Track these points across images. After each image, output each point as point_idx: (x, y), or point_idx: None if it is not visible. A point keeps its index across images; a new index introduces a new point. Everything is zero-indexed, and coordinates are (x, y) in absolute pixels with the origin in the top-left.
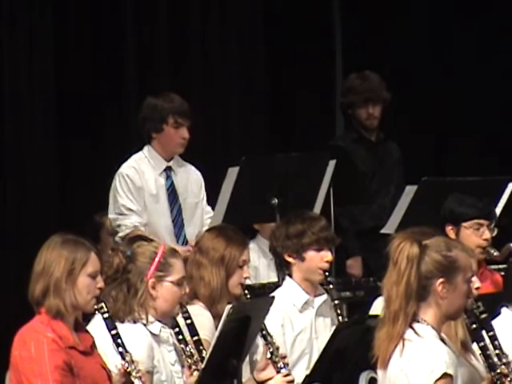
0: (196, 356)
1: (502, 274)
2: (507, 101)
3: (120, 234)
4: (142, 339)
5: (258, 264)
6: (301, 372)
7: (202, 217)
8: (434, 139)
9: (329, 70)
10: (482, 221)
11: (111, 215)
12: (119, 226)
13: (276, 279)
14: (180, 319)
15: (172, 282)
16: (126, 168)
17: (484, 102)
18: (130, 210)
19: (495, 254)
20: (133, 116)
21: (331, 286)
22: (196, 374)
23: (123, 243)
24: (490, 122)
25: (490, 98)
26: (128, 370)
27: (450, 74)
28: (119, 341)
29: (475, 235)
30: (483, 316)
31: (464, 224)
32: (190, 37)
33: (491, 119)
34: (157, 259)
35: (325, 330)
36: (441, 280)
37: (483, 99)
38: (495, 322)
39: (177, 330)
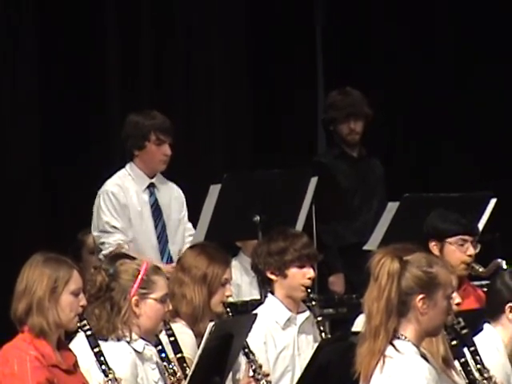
0: (179, 374)
1: (485, 290)
2: (490, 116)
3: (103, 252)
4: (126, 357)
5: (241, 281)
6: None
7: (183, 234)
8: (417, 155)
9: (311, 86)
10: (466, 237)
11: (95, 233)
12: (103, 243)
13: (258, 297)
14: (162, 337)
15: (155, 299)
16: (111, 185)
17: (467, 117)
18: (114, 227)
19: (480, 269)
20: (116, 133)
21: (314, 303)
22: None
23: (105, 261)
24: (472, 137)
25: (472, 113)
26: None
27: (432, 89)
28: (102, 358)
29: (459, 251)
30: (464, 332)
31: (448, 240)
32: (172, 54)
33: (474, 135)
34: (140, 277)
35: (307, 347)
36: (421, 296)
37: (466, 115)
38: (477, 338)
39: (159, 347)
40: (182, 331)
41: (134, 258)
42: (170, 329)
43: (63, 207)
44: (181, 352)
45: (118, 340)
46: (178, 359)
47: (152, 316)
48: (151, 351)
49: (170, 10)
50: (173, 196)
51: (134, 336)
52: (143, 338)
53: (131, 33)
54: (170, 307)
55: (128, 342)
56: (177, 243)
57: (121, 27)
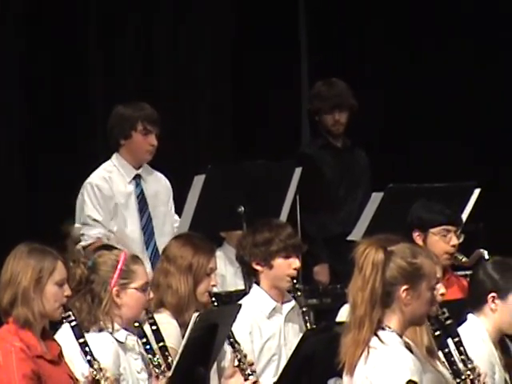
0: (163, 366)
1: (468, 279)
2: (476, 106)
3: (82, 244)
4: (108, 346)
5: (225, 272)
6: (268, 379)
7: (172, 225)
8: (402, 145)
9: (295, 77)
10: (449, 227)
11: (77, 224)
12: (83, 235)
13: (243, 287)
14: (147, 328)
15: (136, 288)
16: (96, 178)
17: (452, 107)
18: (95, 220)
19: (463, 259)
20: (99, 126)
21: (299, 293)
22: (163, 381)
23: (84, 254)
24: (456, 127)
25: (457, 104)
26: (96, 377)
27: (417, 82)
28: (87, 349)
29: (443, 241)
30: (448, 322)
31: (432, 230)
32: (156, 47)
33: (458, 125)
34: (119, 267)
35: (294, 336)
36: (405, 287)
37: (451, 105)
38: (462, 329)
39: (144, 340)
40: (167, 321)
41: (116, 249)
42: (152, 317)
43: (47, 199)
44: (163, 341)
45: (100, 331)
46: (160, 348)
47: (133, 305)
48: (134, 341)
49: (157, 2)
50: (160, 187)
51: (116, 326)
52: (126, 329)
53: (114, 28)
54: (152, 295)
55: (110, 333)
56: (165, 235)
57: (103, 24)
